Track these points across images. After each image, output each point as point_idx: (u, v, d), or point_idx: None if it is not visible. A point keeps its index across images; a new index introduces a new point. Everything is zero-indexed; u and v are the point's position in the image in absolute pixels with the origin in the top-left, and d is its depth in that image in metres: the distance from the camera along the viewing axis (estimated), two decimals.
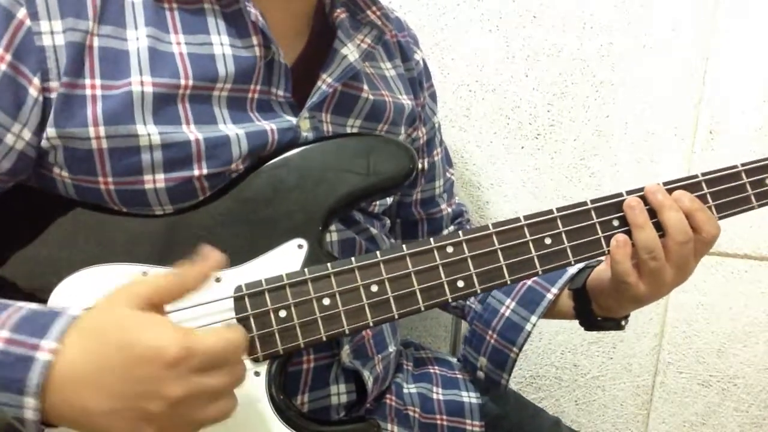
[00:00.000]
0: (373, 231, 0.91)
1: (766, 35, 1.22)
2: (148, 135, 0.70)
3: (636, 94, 1.27)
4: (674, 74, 1.26)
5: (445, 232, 1.10)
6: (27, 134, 0.69)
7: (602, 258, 0.80)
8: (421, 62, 1.03)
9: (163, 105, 0.71)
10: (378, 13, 0.87)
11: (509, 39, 1.27)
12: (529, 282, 0.94)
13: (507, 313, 0.94)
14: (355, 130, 0.88)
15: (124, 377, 0.56)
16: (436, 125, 1.08)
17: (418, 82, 1.01)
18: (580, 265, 0.91)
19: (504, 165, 1.33)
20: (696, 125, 1.27)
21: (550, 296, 0.92)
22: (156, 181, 0.72)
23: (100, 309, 0.60)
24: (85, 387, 0.56)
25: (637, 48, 1.25)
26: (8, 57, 0.67)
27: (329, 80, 0.82)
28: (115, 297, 0.60)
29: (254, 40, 0.77)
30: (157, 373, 0.55)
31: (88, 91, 0.69)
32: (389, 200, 0.96)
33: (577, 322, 0.92)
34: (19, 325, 0.58)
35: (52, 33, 0.68)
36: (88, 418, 0.56)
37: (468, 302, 1.03)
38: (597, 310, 0.88)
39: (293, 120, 0.80)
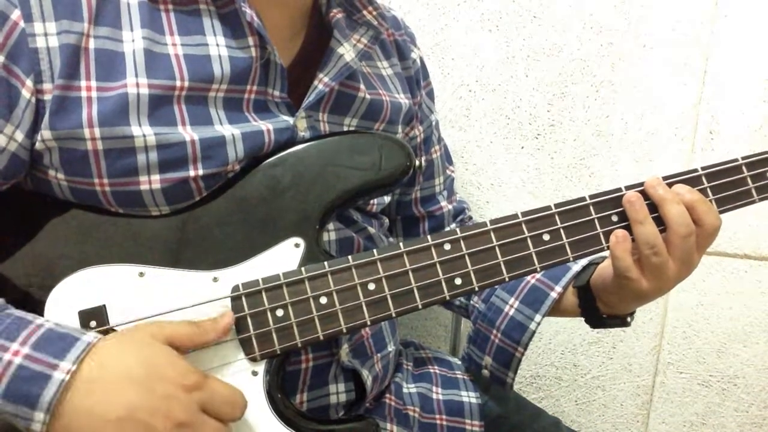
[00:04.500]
0: (372, 230, 0.91)
1: (765, 35, 1.22)
2: (144, 136, 0.70)
3: (636, 94, 1.27)
4: (674, 74, 1.26)
5: (447, 229, 1.10)
6: (19, 136, 0.69)
7: (605, 254, 0.79)
8: (418, 60, 1.03)
9: (159, 106, 0.71)
10: (374, 12, 0.87)
11: (509, 39, 1.27)
12: (533, 280, 0.94)
13: (511, 313, 0.94)
14: None
15: (144, 388, 0.60)
16: (434, 123, 1.07)
17: (416, 80, 1.01)
18: (584, 262, 0.91)
19: (504, 165, 1.33)
20: (696, 125, 1.27)
21: (554, 295, 0.91)
22: (151, 182, 0.72)
23: (128, 333, 0.66)
24: (101, 395, 0.59)
25: (637, 48, 1.25)
26: (1, 58, 0.67)
27: (326, 79, 0.82)
28: (142, 327, 0.66)
29: (250, 40, 0.77)
30: (174, 392, 0.61)
31: (84, 93, 0.69)
32: (387, 199, 0.95)
33: (577, 321, 0.92)
34: (40, 344, 0.61)
35: (45, 35, 0.68)
36: (94, 425, 0.59)
37: (471, 301, 1.03)
38: (602, 308, 0.87)
39: (290, 120, 0.80)
